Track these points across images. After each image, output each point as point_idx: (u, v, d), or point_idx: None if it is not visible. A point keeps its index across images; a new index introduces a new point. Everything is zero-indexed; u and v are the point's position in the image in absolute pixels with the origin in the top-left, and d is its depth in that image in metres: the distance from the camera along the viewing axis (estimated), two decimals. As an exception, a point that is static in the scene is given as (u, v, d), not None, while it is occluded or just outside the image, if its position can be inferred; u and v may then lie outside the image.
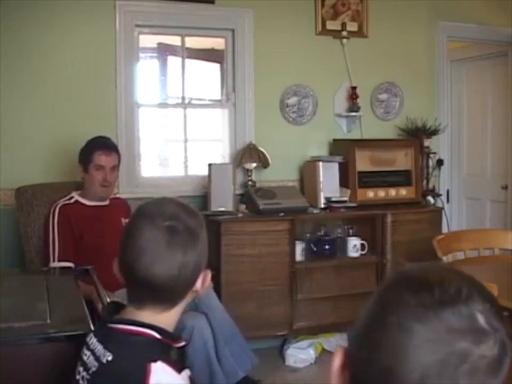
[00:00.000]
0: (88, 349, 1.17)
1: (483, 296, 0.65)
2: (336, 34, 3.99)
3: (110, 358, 1.10)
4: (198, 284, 1.20)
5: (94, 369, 1.13)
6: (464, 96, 4.97)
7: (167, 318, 1.18)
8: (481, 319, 0.63)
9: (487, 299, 0.65)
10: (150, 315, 1.16)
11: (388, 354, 0.63)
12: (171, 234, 1.14)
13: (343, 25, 3.98)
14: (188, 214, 1.19)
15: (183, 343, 1.19)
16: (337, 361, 0.71)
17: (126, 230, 1.20)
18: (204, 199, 3.65)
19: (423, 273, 0.69)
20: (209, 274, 1.23)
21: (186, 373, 1.11)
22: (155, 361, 1.07)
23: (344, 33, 3.98)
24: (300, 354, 3.43)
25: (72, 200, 2.88)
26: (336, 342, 3.48)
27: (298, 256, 3.52)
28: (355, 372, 0.68)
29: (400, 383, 0.62)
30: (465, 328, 0.62)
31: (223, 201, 3.49)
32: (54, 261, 2.71)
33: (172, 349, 1.16)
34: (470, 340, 0.62)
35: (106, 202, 2.96)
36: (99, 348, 1.14)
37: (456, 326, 0.62)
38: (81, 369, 1.17)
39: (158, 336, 1.14)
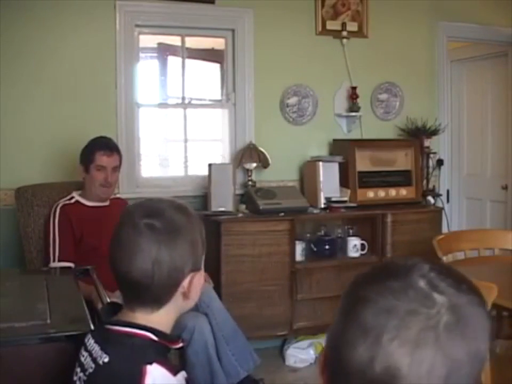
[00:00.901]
0: (86, 350, 1.17)
1: (431, 265, 0.68)
2: (336, 34, 3.99)
3: (106, 360, 1.10)
4: (185, 285, 1.16)
5: (90, 370, 1.13)
6: (464, 96, 4.97)
7: (159, 319, 1.17)
8: (421, 282, 0.66)
9: (435, 268, 0.68)
10: (142, 316, 1.16)
11: (352, 330, 0.66)
12: (146, 231, 1.13)
13: (343, 25, 3.98)
14: (174, 213, 1.17)
15: (180, 345, 1.19)
16: (319, 363, 0.74)
17: (113, 229, 1.21)
18: (204, 199, 3.65)
19: (381, 263, 0.74)
20: (201, 277, 1.20)
21: (182, 374, 1.11)
22: (150, 363, 1.06)
23: (344, 33, 3.98)
24: (300, 354, 3.44)
25: (73, 200, 2.88)
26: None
27: (298, 256, 3.52)
28: (330, 370, 0.71)
29: (346, 348, 0.65)
30: (400, 288, 0.65)
31: (223, 201, 3.49)
32: (54, 261, 2.72)
33: (169, 351, 1.16)
34: (401, 298, 0.64)
35: (107, 203, 2.96)
36: (96, 349, 1.14)
37: (393, 288, 0.65)
38: (78, 370, 1.17)
39: (154, 337, 1.13)
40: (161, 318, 1.18)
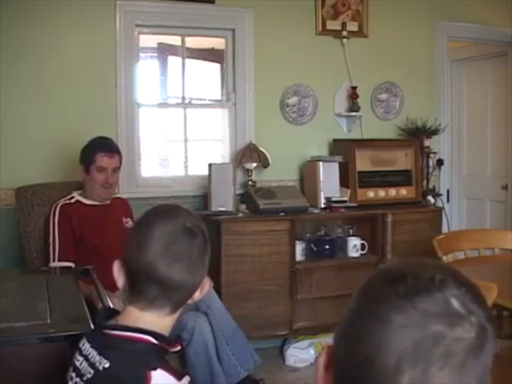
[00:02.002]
0: (81, 354, 1.15)
1: (458, 281, 0.66)
2: (336, 34, 3.99)
3: (107, 365, 1.09)
4: (197, 291, 1.21)
5: (89, 376, 1.11)
6: (464, 96, 4.97)
7: (167, 322, 1.17)
8: (455, 303, 0.63)
9: (462, 284, 0.66)
10: (153, 317, 1.15)
11: (367, 344, 0.64)
12: (193, 236, 1.15)
13: (343, 25, 3.98)
14: (200, 222, 1.22)
15: (178, 348, 1.18)
16: (322, 360, 0.72)
17: (140, 228, 1.18)
18: (204, 199, 3.65)
19: (398, 265, 0.71)
20: (207, 282, 1.23)
21: (186, 379, 1.10)
22: (155, 369, 1.06)
23: (345, 33, 3.98)
24: (300, 354, 3.44)
25: (73, 200, 2.88)
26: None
27: (299, 256, 3.52)
28: (338, 369, 0.69)
29: (379, 371, 0.63)
30: (438, 312, 0.63)
31: (223, 201, 3.49)
32: (54, 260, 2.71)
33: (167, 354, 1.15)
34: (444, 323, 0.62)
35: (107, 202, 2.95)
36: (93, 354, 1.12)
37: (430, 311, 0.63)
38: (73, 375, 1.15)
39: (154, 341, 1.12)
40: (169, 322, 1.18)
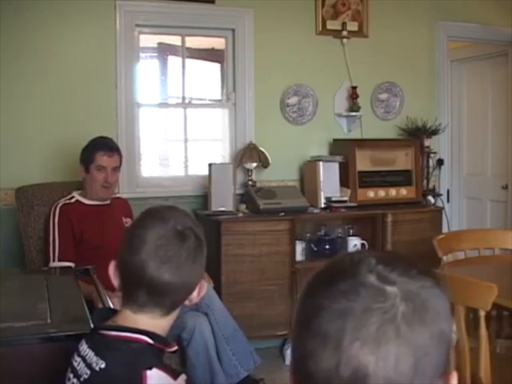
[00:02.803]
0: (79, 355, 1.15)
1: (378, 258, 0.67)
2: (336, 34, 3.99)
3: (103, 366, 1.09)
4: (195, 292, 1.21)
5: (85, 376, 1.11)
6: (464, 96, 4.97)
7: (162, 323, 1.17)
8: (369, 277, 0.64)
9: (382, 259, 0.67)
10: (147, 319, 1.15)
11: (298, 339, 0.66)
12: (183, 239, 1.15)
13: (344, 25, 3.98)
14: (194, 224, 1.21)
15: (175, 348, 1.18)
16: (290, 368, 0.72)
17: (132, 230, 1.19)
18: (204, 199, 3.65)
19: (329, 260, 0.75)
20: (205, 285, 1.23)
21: (182, 378, 1.10)
22: (150, 368, 1.06)
23: (345, 33, 3.98)
24: (300, 354, 3.43)
25: (73, 200, 2.88)
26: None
27: (299, 256, 3.53)
28: (299, 380, 0.69)
29: (307, 359, 0.64)
30: (351, 288, 0.64)
31: (223, 201, 3.49)
32: (54, 260, 2.71)
33: (164, 354, 1.15)
34: (353, 298, 0.63)
35: (107, 202, 2.96)
36: (90, 355, 1.12)
37: (343, 289, 0.64)
38: (71, 375, 1.15)
39: (150, 341, 1.12)
40: (165, 323, 1.18)
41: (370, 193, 3.84)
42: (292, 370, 0.70)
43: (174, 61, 3.89)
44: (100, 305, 2.06)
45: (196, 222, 1.23)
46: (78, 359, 1.15)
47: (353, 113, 4.02)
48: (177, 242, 1.14)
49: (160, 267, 1.12)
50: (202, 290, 1.22)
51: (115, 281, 1.19)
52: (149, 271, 1.12)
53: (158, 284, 1.13)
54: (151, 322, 1.15)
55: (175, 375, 1.08)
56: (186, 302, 1.21)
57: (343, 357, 0.61)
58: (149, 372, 1.05)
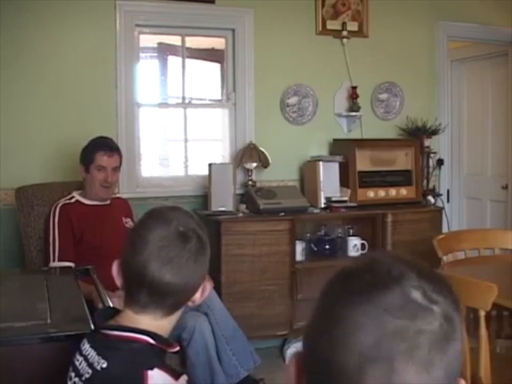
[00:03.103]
0: (81, 354, 1.16)
1: (418, 272, 0.63)
2: (336, 34, 3.99)
3: (104, 365, 1.09)
4: (198, 294, 1.21)
5: (87, 375, 1.11)
6: (464, 96, 4.97)
7: (163, 324, 1.17)
8: (415, 294, 0.60)
9: (423, 275, 0.63)
10: (148, 320, 1.15)
11: (325, 347, 0.61)
12: (185, 240, 1.15)
13: (344, 25, 3.98)
14: (197, 225, 1.21)
15: (177, 348, 1.18)
16: (292, 368, 0.69)
17: (135, 231, 1.20)
18: (204, 199, 3.65)
19: (355, 262, 0.68)
20: (208, 286, 1.24)
21: (184, 378, 1.10)
22: (151, 368, 1.06)
23: (345, 33, 3.98)
24: (300, 354, 3.43)
25: (73, 200, 2.88)
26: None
27: (299, 256, 3.53)
28: (307, 374, 0.66)
29: (341, 373, 0.60)
30: (397, 305, 0.60)
31: (223, 201, 3.49)
32: (54, 260, 2.71)
33: (165, 355, 1.15)
34: (404, 317, 0.59)
35: (107, 202, 2.96)
36: (92, 354, 1.12)
37: (388, 306, 0.60)
38: (72, 374, 1.16)
39: (152, 341, 1.12)
40: (167, 323, 1.18)
41: (370, 193, 3.84)
42: (302, 370, 0.67)
43: (174, 61, 3.89)
44: (100, 305, 2.06)
45: (200, 223, 1.23)
46: (80, 358, 1.15)
47: (353, 113, 4.02)
48: (179, 244, 1.14)
49: (162, 268, 1.13)
50: (205, 291, 1.22)
51: (118, 281, 1.20)
52: (151, 271, 1.12)
53: (159, 284, 1.13)
54: (153, 323, 1.15)
55: (176, 376, 1.08)
56: (189, 303, 1.22)
57: (395, 378, 0.58)
58: (150, 372, 1.05)
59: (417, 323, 0.59)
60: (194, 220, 1.22)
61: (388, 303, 0.60)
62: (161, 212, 1.21)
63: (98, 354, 1.11)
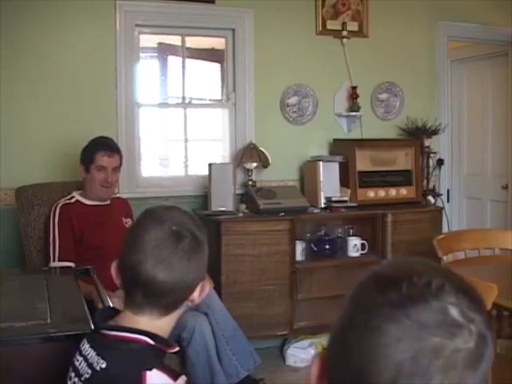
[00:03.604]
0: (81, 354, 1.16)
1: (456, 287, 0.62)
2: (336, 34, 3.99)
3: (104, 366, 1.09)
4: (196, 293, 1.21)
5: (87, 376, 1.11)
6: (464, 96, 4.97)
7: (162, 324, 1.17)
8: (453, 311, 0.60)
9: (460, 290, 0.62)
10: (146, 320, 1.15)
11: (358, 356, 0.61)
12: (178, 239, 1.15)
13: (344, 25, 3.98)
14: (194, 224, 1.20)
15: (176, 349, 1.18)
16: (315, 368, 0.68)
17: (132, 231, 1.21)
18: (204, 199, 3.65)
19: (392, 269, 0.66)
20: (207, 285, 1.24)
21: (182, 379, 1.10)
22: (150, 369, 1.06)
23: (345, 33, 3.98)
24: (300, 354, 3.44)
25: (73, 200, 2.88)
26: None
27: (299, 256, 3.52)
28: (331, 377, 0.66)
29: None
30: (436, 322, 0.59)
31: (223, 201, 3.49)
32: (54, 260, 2.72)
33: (165, 355, 1.15)
34: (442, 334, 0.59)
35: (107, 202, 2.96)
36: (92, 355, 1.13)
37: (426, 322, 0.59)
38: (72, 375, 1.16)
39: (151, 342, 1.12)
40: (165, 323, 1.18)
41: (370, 193, 3.84)
42: (323, 371, 0.66)
43: (174, 61, 3.89)
44: (100, 305, 2.06)
45: (196, 222, 1.22)
46: (80, 358, 1.15)
47: (353, 113, 4.02)
48: (172, 243, 1.14)
49: (155, 267, 1.13)
50: (204, 291, 1.22)
51: (117, 281, 1.21)
52: (144, 271, 1.13)
53: (152, 283, 1.13)
54: (150, 323, 1.15)
55: (175, 376, 1.08)
56: (189, 303, 1.22)
57: None
58: (148, 373, 1.05)
59: (454, 342, 0.59)
60: (190, 218, 1.22)
61: (426, 318, 0.59)
62: (156, 212, 1.21)
63: (98, 354, 1.12)
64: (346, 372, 0.63)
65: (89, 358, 1.13)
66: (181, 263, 1.14)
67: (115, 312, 1.23)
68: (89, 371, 1.11)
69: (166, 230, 1.15)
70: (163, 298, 1.15)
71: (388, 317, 0.60)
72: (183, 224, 1.17)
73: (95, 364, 1.10)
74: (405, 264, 0.67)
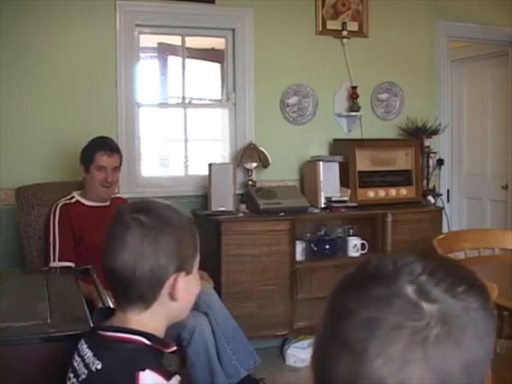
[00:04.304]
0: (79, 355, 1.16)
1: (426, 268, 0.61)
2: (336, 34, 3.99)
3: (99, 366, 1.09)
4: (169, 284, 1.14)
5: (83, 376, 1.11)
6: (464, 96, 4.97)
7: (148, 321, 1.15)
8: (408, 289, 0.59)
9: (432, 271, 0.60)
10: (132, 317, 1.14)
11: (334, 343, 0.61)
12: (132, 225, 1.14)
13: (344, 25, 3.98)
14: (162, 210, 1.18)
15: (174, 348, 1.17)
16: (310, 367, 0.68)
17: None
18: (204, 199, 3.65)
19: (367, 258, 0.67)
20: (192, 281, 1.18)
21: (176, 378, 1.09)
22: (143, 369, 1.05)
23: (345, 33, 3.98)
24: (300, 354, 3.43)
25: (73, 200, 2.88)
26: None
27: (299, 256, 3.52)
28: (315, 368, 0.66)
29: (327, 358, 0.61)
30: (385, 297, 0.59)
31: (224, 201, 3.49)
32: (54, 260, 2.72)
33: (163, 355, 1.14)
34: (385, 309, 0.58)
35: (107, 203, 2.96)
36: (89, 355, 1.12)
37: (377, 296, 0.59)
38: (71, 375, 1.16)
39: (147, 342, 1.12)
40: (150, 320, 1.15)
41: (370, 193, 3.84)
42: (311, 363, 0.66)
43: (174, 61, 3.88)
44: (100, 305, 2.06)
45: (167, 205, 1.21)
46: (78, 359, 1.15)
47: (353, 113, 4.02)
48: (124, 229, 1.14)
49: (116, 256, 1.14)
50: (185, 285, 1.16)
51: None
52: (108, 263, 1.16)
53: (114, 274, 1.14)
54: (139, 319, 1.14)
55: (168, 376, 1.07)
56: (169, 298, 1.15)
57: (363, 370, 0.57)
58: (141, 373, 1.04)
59: (396, 316, 0.57)
60: (158, 202, 1.21)
61: (378, 294, 0.59)
62: (119, 207, 1.24)
63: (94, 355, 1.11)
64: (315, 357, 0.64)
65: (86, 358, 1.13)
66: (132, 249, 1.12)
67: (113, 312, 1.23)
68: (86, 371, 1.11)
69: (121, 220, 1.16)
70: (129, 288, 1.13)
71: (351, 293, 0.62)
72: (141, 211, 1.16)
73: (91, 365, 1.10)
74: (378, 256, 0.68)
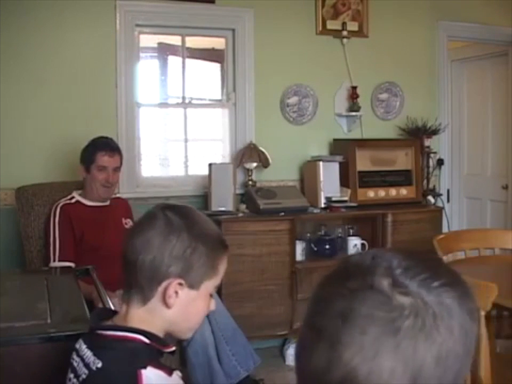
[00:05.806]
0: (78, 355, 1.16)
1: (401, 263, 0.62)
2: (336, 34, 3.99)
3: (99, 366, 1.09)
4: (164, 287, 1.13)
5: (84, 376, 1.11)
6: (465, 96, 4.97)
7: (147, 318, 1.15)
8: (382, 282, 0.60)
9: (407, 266, 0.61)
10: (132, 311, 1.15)
11: (309, 333, 0.63)
12: (156, 217, 1.16)
13: (344, 25, 3.98)
14: (195, 218, 1.19)
15: (173, 349, 1.17)
16: None
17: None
18: (204, 198, 3.65)
19: (351, 255, 0.71)
20: (196, 299, 1.16)
21: (177, 373, 1.10)
22: (145, 367, 1.05)
23: (345, 33, 3.98)
24: (300, 354, 3.43)
25: (73, 200, 2.88)
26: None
27: (299, 256, 3.53)
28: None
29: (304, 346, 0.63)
30: (358, 289, 0.60)
31: (224, 201, 3.49)
32: (54, 260, 2.71)
33: (162, 355, 1.14)
34: (356, 300, 0.59)
35: (107, 203, 2.96)
36: (88, 355, 1.12)
37: (356, 289, 0.60)
38: (71, 376, 1.16)
39: (146, 340, 1.12)
40: (148, 317, 1.15)
41: (371, 193, 3.84)
42: (294, 356, 0.68)
43: (174, 61, 3.88)
44: (100, 305, 2.06)
45: (186, 212, 1.22)
46: (78, 359, 1.16)
47: (353, 113, 4.02)
48: (145, 220, 1.18)
49: (130, 239, 1.16)
50: (183, 296, 1.14)
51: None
52: (123, 243, 1.17)
53: (124, 255, 1.16)
54: (136, 314, 1.15)
55: (169, 372, 1.08)
56: (162, 303, 1.14)
57: (336, 359, 0.58)
58: (144, 371, 1.05)
59: (369, 307, 0.59)
60: (187, 209, 1.22)
61: (354, 285, 0.61)
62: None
63: (94, 354, 1.12)
64: (295, 349, 0.66)
65: (85, 358, 1.13)
66: (144, 236, 1.14)
67: (113, 313, 1.23)
68: (86, 371, 1.11)
69: (151, 211, 1.19)
70: (131, 272, 1.14)
71: (329, 285, 0.64)
72: (167, 208, 1.19)
73: (91, 364, 1.11)
74: (357, 253, 0.70)
